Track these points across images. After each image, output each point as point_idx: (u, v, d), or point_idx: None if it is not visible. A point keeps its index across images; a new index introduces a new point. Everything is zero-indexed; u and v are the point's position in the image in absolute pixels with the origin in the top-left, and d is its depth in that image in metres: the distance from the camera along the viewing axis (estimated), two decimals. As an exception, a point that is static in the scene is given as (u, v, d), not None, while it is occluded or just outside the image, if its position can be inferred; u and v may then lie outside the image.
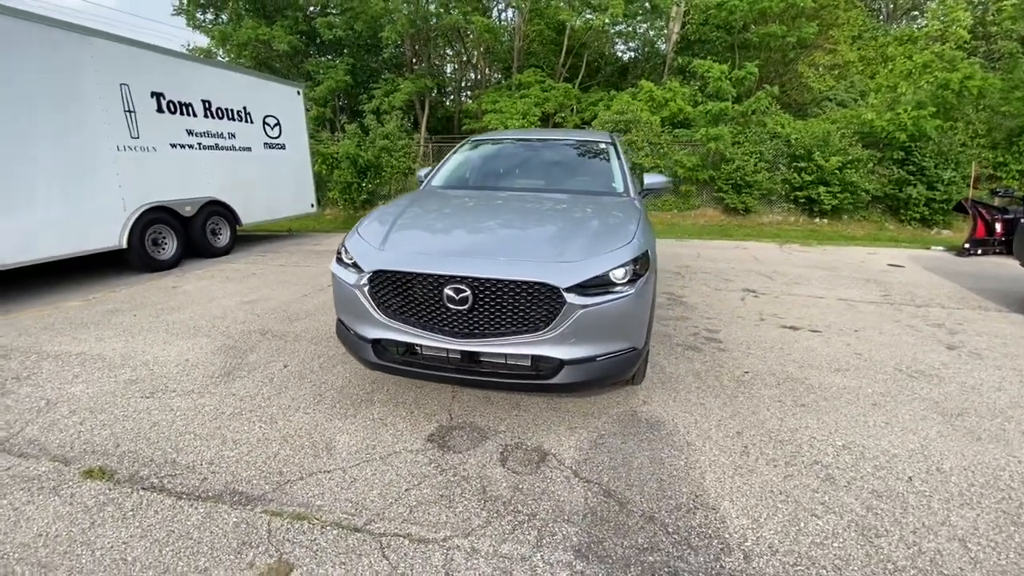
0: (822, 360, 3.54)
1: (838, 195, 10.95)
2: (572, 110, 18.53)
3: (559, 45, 20.73)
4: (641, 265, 2.47)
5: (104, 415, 2.69)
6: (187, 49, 18.42)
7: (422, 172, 4.06)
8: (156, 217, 6.05)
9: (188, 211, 6.51)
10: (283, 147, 8.46)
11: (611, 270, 2.36)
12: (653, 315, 2.80)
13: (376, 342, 2.55)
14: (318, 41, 17.54)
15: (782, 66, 18.81)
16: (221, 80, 7.00)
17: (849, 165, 10.91)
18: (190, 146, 6.54)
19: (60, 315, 4.33)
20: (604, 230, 2.65)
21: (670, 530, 1.93)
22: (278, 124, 8.32)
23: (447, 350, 2.42)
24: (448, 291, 2.29)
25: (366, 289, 2.46)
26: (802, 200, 11.60)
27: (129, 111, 5.66)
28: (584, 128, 16.00)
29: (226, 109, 7.12)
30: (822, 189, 11.03)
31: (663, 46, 21.18)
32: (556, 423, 2.67)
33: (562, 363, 2.35)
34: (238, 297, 4.99)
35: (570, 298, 2.24)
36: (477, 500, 2.08)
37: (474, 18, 15.09)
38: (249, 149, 7.66)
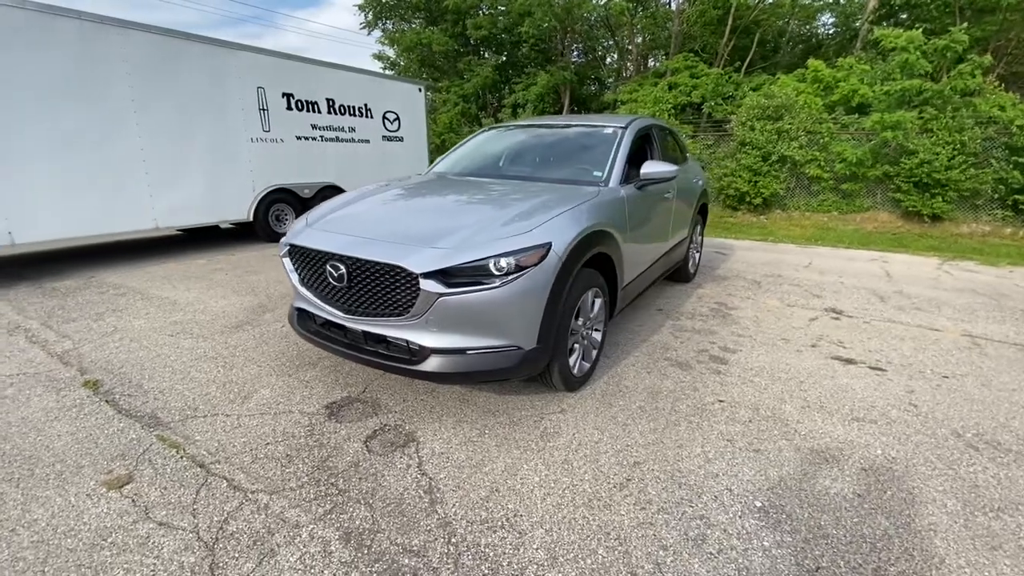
0: (847, 404, 2.74)
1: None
2: (726, 97, 16.68)
3: (724, 25, 18.83)
4: (531, 258, 2.25)
5: (135, 344, 3.45)
6: (377, 58, 21.54)
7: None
8: (279, 197, 7.33)
9: (307, 193, 7.72)
10: (401, 139, 9.40)
11: (488, 258, 2.20)
12: (566, 314, 2.51)
13: (299, 311, 2.80)
14: (472, 41, 18.80)
15: (1026, 30, 14.21)
16: (344, 81, 8.08)
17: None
18: (313, 138, 7.73)
19: (180, 268, 5.60)
20: (512, 218, 2.46)
21: (462, 541, 1.78)
22: (397, 119, 9.27)
23: (340, 326, 2.54)
24: (328, 267, 2.41)
25: (286, 261, 2.71)
26: (1024, 206, 8.76)
27: (263, 109, 6.93)
28: (731, 115, 14.37)
29: (348, 106, 8.20)
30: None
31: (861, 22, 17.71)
32: (448, 415, 2.60)
33: (429, 351, 2.29)
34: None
35: (426, 284, 2.17)
36: (310, 467, 2.17)
37: (613, 1, 14.50)
38: (367, 141, 8.71)
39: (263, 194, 7.07)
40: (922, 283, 5.37)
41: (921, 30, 10.65)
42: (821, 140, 11.13)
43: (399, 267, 2.20)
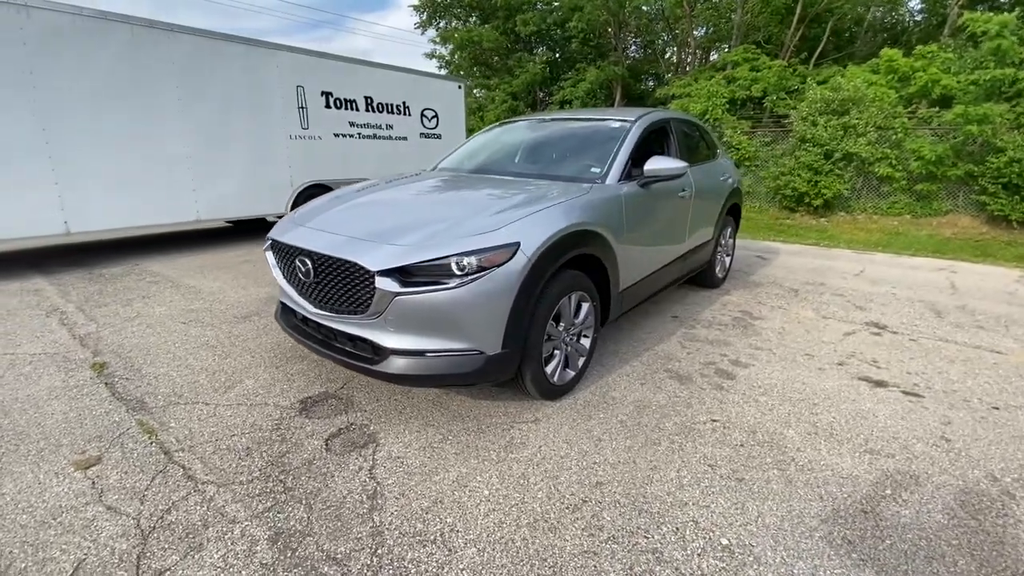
0: (863, 432, 2.42)
1: None
2: (791, 91, 15.57)
3: (792, 14, 17.65)
4: (494, 258, 2.13)
5: (150, 330, 3.64)
6: (430, 56, 21.99)
7: None
8: (316, 192, 7.56)
9: (343, 189, 7.93)
10: (439, 136, 9.47)
11: (448, 257, 2.11)
12: (540, 318, 2.36)
13: (283, 306, 2.82)
14: (524, 37, 18.69)
15: None
16: (383, 79, 8.22)
17: None
18: (350, 136, 7.92)
19: (215, 259, 5.89)
20: (483, 216, 2.35)
21: (387, 553, 1.70)
22: (436, 116, 9.34)
23: (315, 322, 2.53)
24: (297, 262, 2.40)
25: (269, 255, 2.74)
26: None
27: (302, 107, 7.18)
28: (783, 112, 13.43)
29: (386, 104, 8.35)
30: None
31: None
32: (417, 418, 2.52)
33: (389, 351, 2.22)
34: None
35: (381, 283, 2.10)
36: (265, 462, 2.17)
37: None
38: (405, 138, 8.83)
39: (301, 189, 7.32)
40: (993, 298, 4.72)
41: (1016, 14, 9.43)
42: (894, 136, 10.14)
43: (356, 264, 2.15)
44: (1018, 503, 1.97)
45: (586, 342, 2.83)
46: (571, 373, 2.74)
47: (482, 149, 3.89)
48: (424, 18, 20.14)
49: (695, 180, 3.80)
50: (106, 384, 2.83)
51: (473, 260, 2.11)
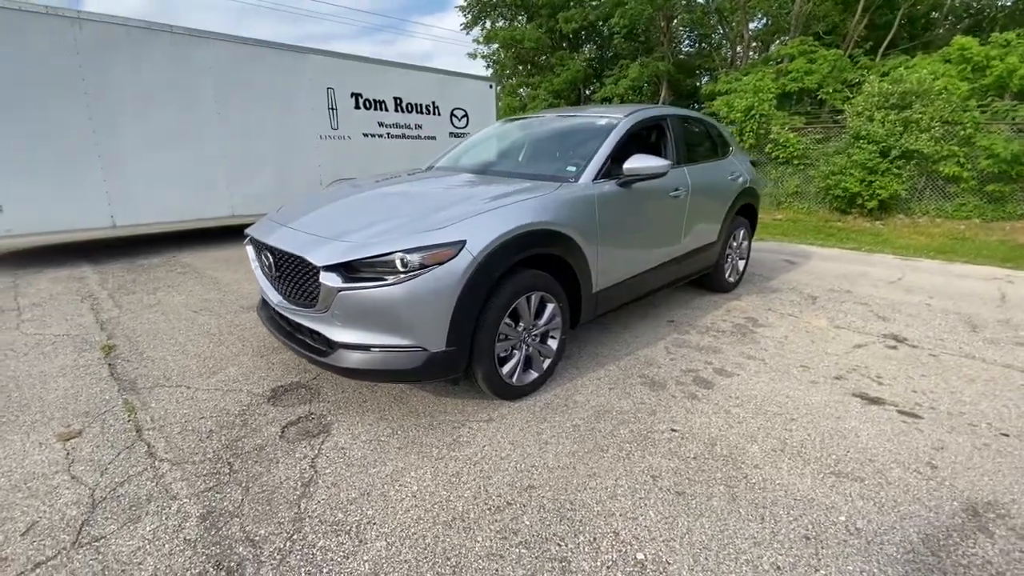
0: (836, 452, 2.24)
1: None
2: (851, 84, 14.52)
3: (857, 1, 16.50)
4: (437, 255, 2.15)
5: (163, 317, 3.92)
6: (472, 56, 22.29)
7: None
8: (344, 190, 7.86)
9: (371, 187, 8.19)
10: (469, 136, 9.56)
11: (391, 254, 2.14)
12: (492, 317, 2.35)
13: (261, 298, 2.96)
14: (566, 35, 18.52)
15: None
16: (412, 80, 8.42)
17: None
18: (379, 135, 8.16)
19: (240, 253, 6.24)
20: (436, 214, 2.37)
21: (302, 539, 1.75)
22: (466, 115, 9.45)
23: (279, 314, 2.64)
24: (263, 255, 2.51)
25: (248, 249, 2.88)
26: None
27: (332, 108, 7.48)
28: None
29: (415, 104, 8.54)
30: None
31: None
32: (374, 411, 2.57)
33: (338, 345, 2.29)
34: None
35: (325, 278, 2.16)
36: (221, 444, 2.28)
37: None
38: (434, 138, 8.99)
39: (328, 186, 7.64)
40: (1048, 312, 4.21)
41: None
42: (963, 132, 9.26)
43: (304, 259, 2.23)
44: (995, 541, 1.76)
45: (553, 343, 2.78)
46: (534, 374, 2.70)
47: (475, 148, 3.91)
48: (470, 18, 20.40)
49: (693, 179, 3.64)
50: (109, 365, 3.09)
51: (416, 257, 2.13)
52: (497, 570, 1.63)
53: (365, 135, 7.99)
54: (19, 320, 3.85)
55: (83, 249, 6.52)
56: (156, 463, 2.16)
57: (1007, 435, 2.40)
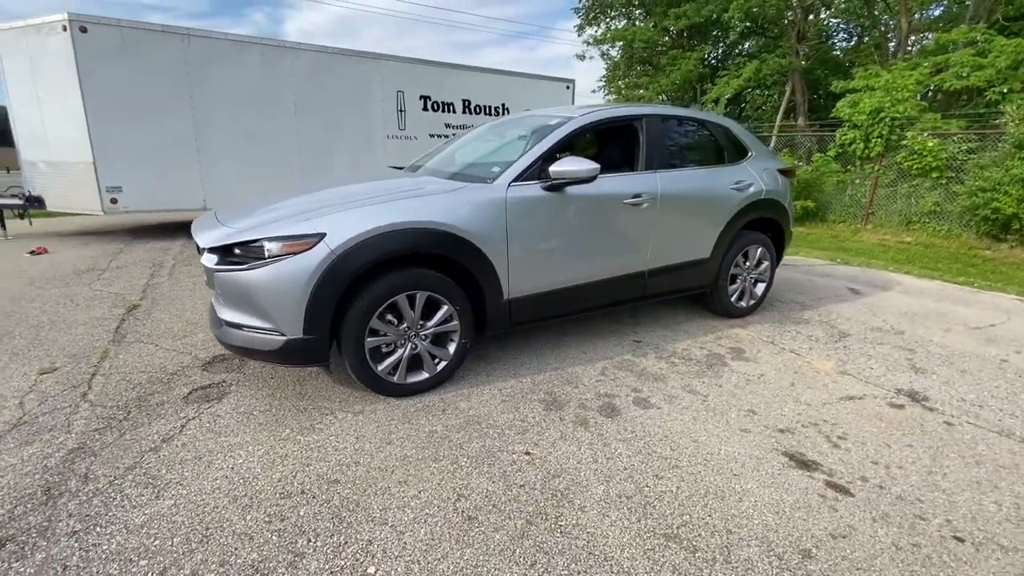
0: (697, 514, 1.89)
1: None
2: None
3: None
4: (294, 246, 2.27)
5: (191, 284, 4.60)
6: (580, 58, 22.09)
7: None
8: (407, 186, 8.38)
9: (434, 185, 8.62)
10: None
11: (256, 241, 2.32)
12: (360, 311, 2.40)
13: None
14: (681, 31, 17.40)
15: None
16: (482, 82, 8.66)
17: None
18: (446, 136, 8.54)
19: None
20: (318, 207, 2.48)
21: (94, 489, 2.00)
22: (538, 117, 9.44)
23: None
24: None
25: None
26: None
27: (401, 110, 8.02)
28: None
29: (483, 106, 8.78)
30: None
31: None
32: (277, 388, 2.76)
33: (222, 321, 2.52)
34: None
35: (206, 259, 2.40)
36: (137, 395, 2.64)
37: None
38: (502, 138, 9.14)
39: (391, 183, 8.21)
40: None
41: None
42: None
43: (197, 243, 2.48)
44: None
45: (452, 346, 2.73)
46: (424, 375, 2.68)
47: (453, 148, 3.94)
48: (585, 18, 20.22)
49: (667, 186, 3.27)
50: (121, 320, 3.73)
51: (275, 245, 2.27)
52: (236, 549, 1.69)
53: (431, 136, 8.43)
54: (97, 278, 4.81)
55: (181, 226, 7.88)
56: (81, 402, 2.58)
57: (962, 540, 1.81)
